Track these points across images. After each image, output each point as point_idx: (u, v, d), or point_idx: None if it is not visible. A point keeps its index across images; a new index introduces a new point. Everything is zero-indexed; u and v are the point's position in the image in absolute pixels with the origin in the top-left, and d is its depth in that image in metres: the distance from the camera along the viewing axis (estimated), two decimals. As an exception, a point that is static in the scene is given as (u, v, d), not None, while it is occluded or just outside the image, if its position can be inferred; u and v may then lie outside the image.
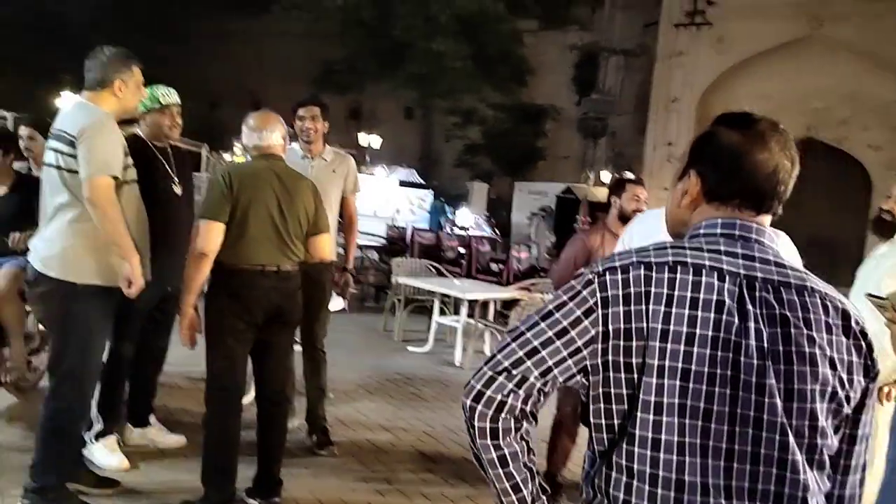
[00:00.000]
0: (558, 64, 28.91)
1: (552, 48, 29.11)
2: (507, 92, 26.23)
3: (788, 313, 1.14)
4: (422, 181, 21.99)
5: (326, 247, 3.37)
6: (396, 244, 10.95)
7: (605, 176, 25.47)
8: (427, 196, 20.15)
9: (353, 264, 4.35)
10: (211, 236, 2.86)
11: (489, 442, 1.18)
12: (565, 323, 1.16)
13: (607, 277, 1.17)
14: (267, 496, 3.13)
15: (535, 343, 1.16)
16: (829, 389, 1.14)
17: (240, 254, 2.93)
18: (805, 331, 1.14)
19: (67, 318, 2.84)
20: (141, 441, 3.71)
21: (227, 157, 22.55)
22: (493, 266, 9.25)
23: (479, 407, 1.17)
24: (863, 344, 1.18)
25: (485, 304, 6.75)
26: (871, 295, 2.05)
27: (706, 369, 1.11)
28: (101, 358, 2.98)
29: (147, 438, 3.74)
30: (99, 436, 3.42)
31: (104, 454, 3.41)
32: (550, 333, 1.16)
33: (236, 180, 2.91)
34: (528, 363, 1.16)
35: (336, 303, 4.18)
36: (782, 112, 21.50)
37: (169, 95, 3.58)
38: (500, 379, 1.17)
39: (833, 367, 1.14)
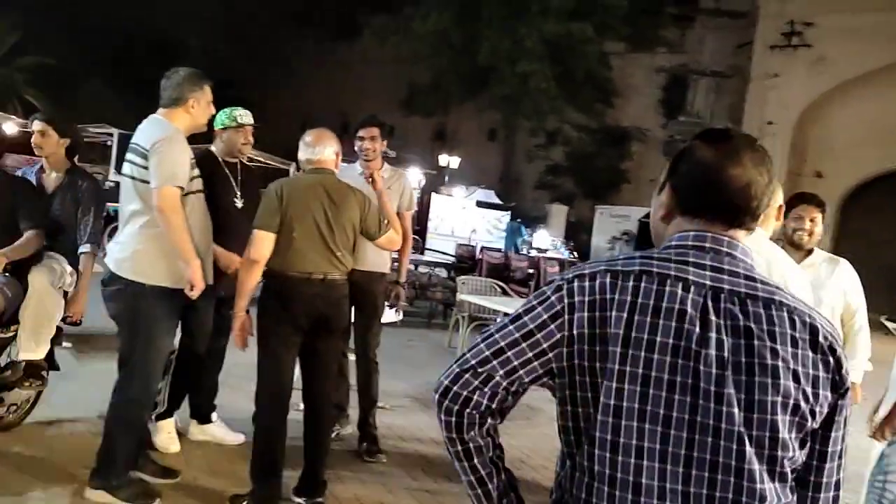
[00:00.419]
0: (645, 86, 28.56)
1: (639, 70, 28.79)
2: (592, 114, 26.07)
3: (753, 325, 1.17)
4: (500, 202, 22.06)
5: (390, 243, 3.51)
6: (465, 262, 11.07)
7: (691, 200, 24.85)
8: (504, 217, 20.22)
9: (415, 279, 4.49)
10: (261, 244, 3.06)
11: (454, 435, 1.26)
12: (532, 326, 1.23)
13: (575, 284, 1.23)
14: (311, 495, 3.27)
15: (502, 343, 1.23)
16: (791, 402, 1.15)
17: (288, 261, 3.11)
18: (769, 343, 1.16)
19: (136, 315, 3.09)
20: (203, 437, 3.96)
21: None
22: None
23: (446, 402, 1.25)
24: (831, 359, 1.19)
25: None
26: (889, 318, 2.00)
27: (665, 376, 1.15)
28: (166, 354, 3.21)
29: (209, 434, 4.00)
30: (159, 417, 3.71)
31: (161, 435, 3.73)
32: (517, 335, 1.23)
33: (286, 193, 3.11)
34: (494, 362, 1.23)
35: (388, 315, 4.33)
36: (883, 137, 20.46)
37: (244, 116, 3.87)
38: (467, 376, 1.24)
39: (797, 380, 1.16)
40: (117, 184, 11.82)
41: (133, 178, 3.10)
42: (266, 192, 3.15)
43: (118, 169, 12.82)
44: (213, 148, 3.91)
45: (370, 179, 3.85)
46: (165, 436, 3.74)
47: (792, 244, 3.24)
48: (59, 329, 3.74)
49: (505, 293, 7.82)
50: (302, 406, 3.40)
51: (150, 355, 3.12)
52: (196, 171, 3.22)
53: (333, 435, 3.86)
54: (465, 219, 19.16)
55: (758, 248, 1.80)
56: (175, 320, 3.22)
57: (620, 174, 27.92)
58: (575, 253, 19.60)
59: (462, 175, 24.44)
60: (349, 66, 35.28)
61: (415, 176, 21.38)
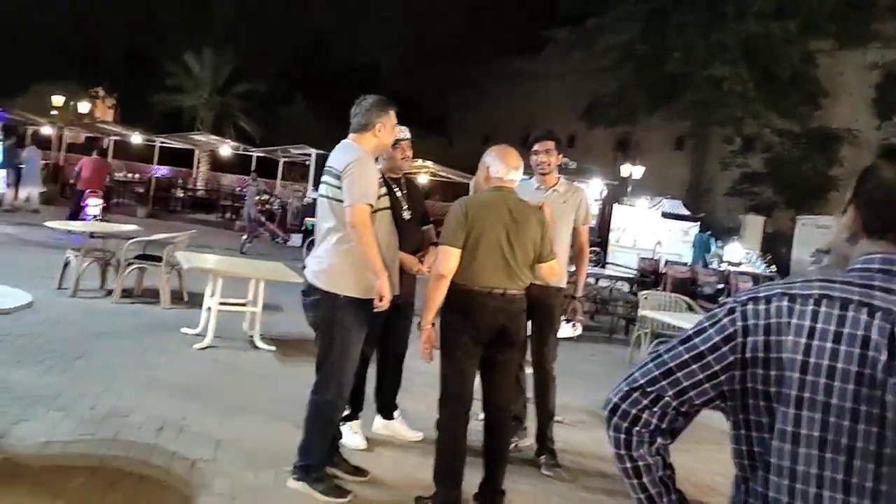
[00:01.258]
0: (856, 85, 25.96)
1: (849, 68, 26.23)
2: (795, 117, 24.15)
3: None
4: (687, 212, 21.00)
5: (549, 274, 3.55)
6: (648, 276, 10.69)
7: (912, 209, 22.15)
8: (692, 228, 19.18)
9: (596, 294, 4.48)
10: (447, 260, 3.21)
11: (623, 452, 1.27)
12: (703, 348, 1.21)
13: (749, 307, 1.20)
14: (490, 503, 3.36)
15: (671, 364, 1.23)
16: None
17: (471, 276, 3.24)
18: None
19: (331, 323, 3.37)
20: (385, 432, 4.25)
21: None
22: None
23: (615, 419, 1.27)
24: None
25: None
26: None
27: (848, 404, 1.09)
28: (357, 358, 3.46)
29: (391, 430, 4.27)
30: (346, 419, 3.97)
31: (349, 434, 4.00)
32: (687, 357, 1.22)
33: (471, 210, 3.24)
34: (664, 382, 1.23)
35: (565, 330, 4.33)
36: None
37: (401, 133, 4.05)
38: (636, 395, 1.25)
39: None
40: (315, 200, 12.76)
41: (328, 197, 3.39)
42: (452, 209, 3.30)
43: (316, 187, 13.97)
44: (378, 167, 4.17)
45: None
46: (353, 436, 4.01)
47: None
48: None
49: (691, 309, 7.48)
50: (481, 416, 3.51)
51: (343, 360, 3.38)
52: (383, 190, 3.45)
53: (512, 446, 3.93)
54: (650, 230, 18.46)
55: None
56: (365, 328, 3.45)
57: (828, 181, 25.51)
58: (773, 266, 18.19)
59: (646, 185, 23.66)
60: (532, 79, 35.60)
61: (596, 186, 21.03)
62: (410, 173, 4.25)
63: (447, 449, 3.30)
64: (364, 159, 3.35)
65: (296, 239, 13.55)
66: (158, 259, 7.45)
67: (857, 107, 25.85)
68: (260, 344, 6.17)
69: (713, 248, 18.43)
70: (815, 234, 22.30)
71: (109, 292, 7.48)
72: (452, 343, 3.28)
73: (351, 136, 3.52)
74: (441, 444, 3.33)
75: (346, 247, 3.32)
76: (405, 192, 4.08)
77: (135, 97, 27.95)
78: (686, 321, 6.53)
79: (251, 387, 5.01)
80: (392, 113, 3.51)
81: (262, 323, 6.28)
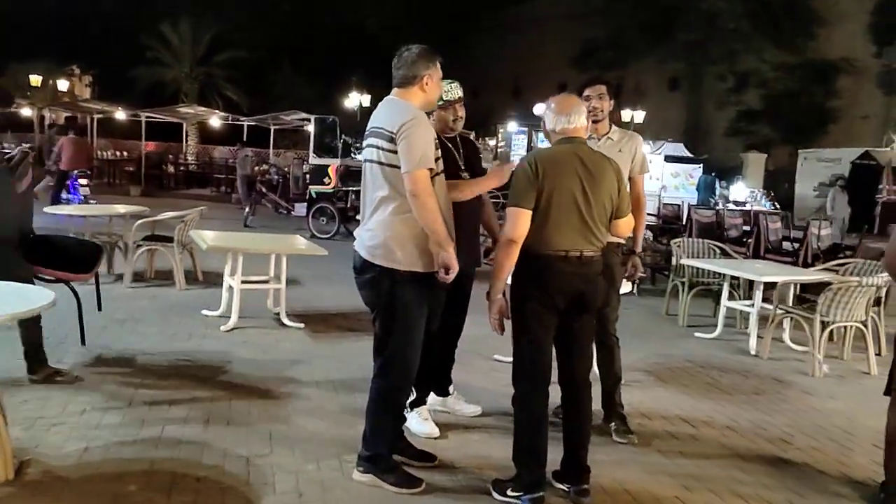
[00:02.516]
0: (852, 11, 25.38)
1: (845, -5, 25.66)
2: (791, 49, 23.67)
3: None
4: (690, 154, 20.67)
5: (627, 229, 3.27)
6: (672, 223, 10.37)
7: (916, 136, 21.91)
8: (696, 171, 18.90)
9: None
10: (518, 223, 2.90)
11: None
12: None
13: None
14: (575, 482, 3.12)
15: None
16: None
17: (544, 240, 2.93)
18: None
19: (392, 302, 3.07)
20: (441, 408, 3.99)
21: (491, 142, 23.33)
22: (787, 245, 8.35)
23: None
24: None
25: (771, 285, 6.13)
26: None
27: None
28: (421, 338, 3.17)
29: (447, 406, 4.02)
30: (413, 405, 3.69)
31: (417, 422, 3.72)
32: None
33: (541, 167, 2.92)
34: None
35: (624, 286, 4.08)
36: None
37: (450, 92, 3.69)
38: None
39: None
40: (316, 167, 12.42)
41: (380, 163, 3.06)
42: (519, 167, 2.99)
43: (317, 152, 13.54)
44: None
45: None
46: (424, 423, 3.73)
47: None
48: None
49: (725, 254, 7.21)
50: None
51: (408, 341, 3.09)
52: (439, 153, 3.12)
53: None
54: (654, 174, 18.13)
55: None
56: (428, 305, 3.16)
57: (827, 114, 25.20)
58: (776, 204, 17.97)
59: (644, 129, 23.25)
60: (519, 27, 34.81)
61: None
62: (463, 133, 3.90)
63: (528, 427, 3.04)
64: (419, 119, 3.01)
65: (300, 209, 13.15)
66: (169, 239, 7.11)
67: (853, 34, 25.35)
68: (287, 321, 5.89)
69: (718, 190, 18.18)
70: (817, 167, 22.06)
71: (119, 276, 7.16)
72: (526, 313, 3.00)
73: (395, 91, 3.17)
74: (520, 422, 3.07)
75: (403, 217, 3.01)
76: (461, 151, 3.74)
77: (113, 73, 27.13)
78: (726, 267, 6.28)
79: (290, 369, 4.74)
80: (438, 64, 3.16)
81: (286, 299, 5.99)
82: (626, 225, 3.20)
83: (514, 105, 26.83)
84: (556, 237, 2.93)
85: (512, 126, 20.18)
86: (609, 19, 25.50)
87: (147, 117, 21.72)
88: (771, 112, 25.76)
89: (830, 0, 25.50)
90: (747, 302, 6.46)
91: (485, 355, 5.14)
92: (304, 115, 18.20)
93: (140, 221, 7.25)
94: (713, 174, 18.77)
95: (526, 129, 19.99)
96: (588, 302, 3.04)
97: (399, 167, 2.96)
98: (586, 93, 3.92)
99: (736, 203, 16.73)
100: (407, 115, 3.00)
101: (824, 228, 8.17)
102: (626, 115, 22.64)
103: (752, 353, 5.91)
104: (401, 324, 3.07)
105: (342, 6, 27.49)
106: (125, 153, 23.08)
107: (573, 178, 2.93)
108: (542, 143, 22.34)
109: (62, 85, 24.96)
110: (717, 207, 14.46)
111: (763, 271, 6.08)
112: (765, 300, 6.07)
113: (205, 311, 6.06)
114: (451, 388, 4.07)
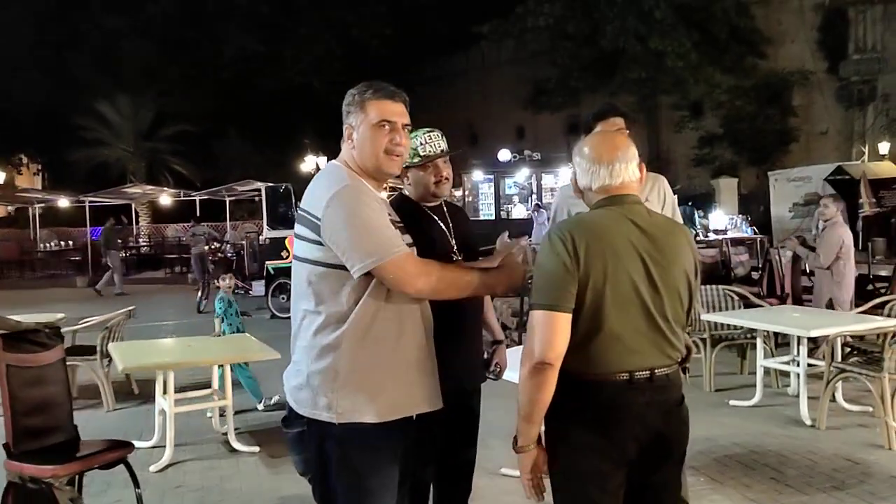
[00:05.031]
0: (796, 30, 25.42)
1: (786, 14, 25.73)
2: (742, 72, 23.45)
3: None
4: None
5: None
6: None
7: (884, 147, 21.66)
8: (673, 203, 18.18)
9: None
10: (555, 335, 1.86)
11: None
12: None
13: None
14: None
15: None
16: None
17: (594, 357, 1.90)
18: None
19: (325, 476, 2.07)
20: None
21: (458, 193, 22.50)
22: (805, 281, 7.39)
23: None
24: None
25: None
26: None
27: None
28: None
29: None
30: None
31: None
32: None
33: (581, 244, 1.89)
34: None
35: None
36: None
37: (430, 143, 2.66)
38: None
39: None
40: (272, 240, 11.18)
41: (305, 259, 2.06)
42: (545, 245, 1.95)
43: (271, 224, 12.43)
44: (405, 190, 2.81)
45: None
46: None
47: None
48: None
49: (746, 301, 6.25)
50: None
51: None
52: (407, 238, 2.12)
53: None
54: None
55: None
56: (396, 471, 2.09)
57: (787, 133, 24.95)
58: (754, 228, 17.31)
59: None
60: (468, 75, 34.48)
61: (565, 175, 19.96)
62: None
63: None
64: (349, 189, 2.01)
65: (258, 287, 11.97)
66: (92, 351, 5.92)
67: (799, 53, 25.34)
68: (238, 445, 4.74)
69: (697, 220, 17.47)
70: (788, 188, 21.61)
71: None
72: (575, 473, 1.94)
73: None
74: None
75: (334, 337, 2.01)
76: (450, 224, 2.71)
77: (58, 159, 25.90)
78: (758, 321, 5.31)
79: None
80: (372, 101, 2.12)
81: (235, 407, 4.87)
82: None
83: (475, 153, 26.22)
84: (615, 351, 1.89)
85: (477, 175, 19.35)
86: (554, 59, 25.25)
87: (91, 201, 20.45)
88: (731, 135, 25.48)
89: (773, 19, 25.58)
90: (784, 358, 5.49)
91: (490, 470, 4.04)
92: (257, 185, 17.16)
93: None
94: (689, 204, 18.10)
95: (492, 176, 19.19)
96: (670, 445, 2.00)
97: (331, 265, 1.98)
98: (598, 128, 2.96)
99: (716, 232, 16.02)
100: (332, 188, 2.01)
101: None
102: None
103: (807, 422, 4.91)
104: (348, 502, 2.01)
105: (283, 69, 26.71)
106: (70, 242, 21.67)
107: (632, 258, 1.91)
108: (514, 190, 21.63)
109: (-1, 177, 23.61)
110: (710, 238, 13.76)
111: (804, 322, 5.10)
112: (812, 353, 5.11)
113: (136, 443, 4.86)
114: None
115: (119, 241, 16.95)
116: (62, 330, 5.96)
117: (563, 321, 1.86)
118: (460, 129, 33.56)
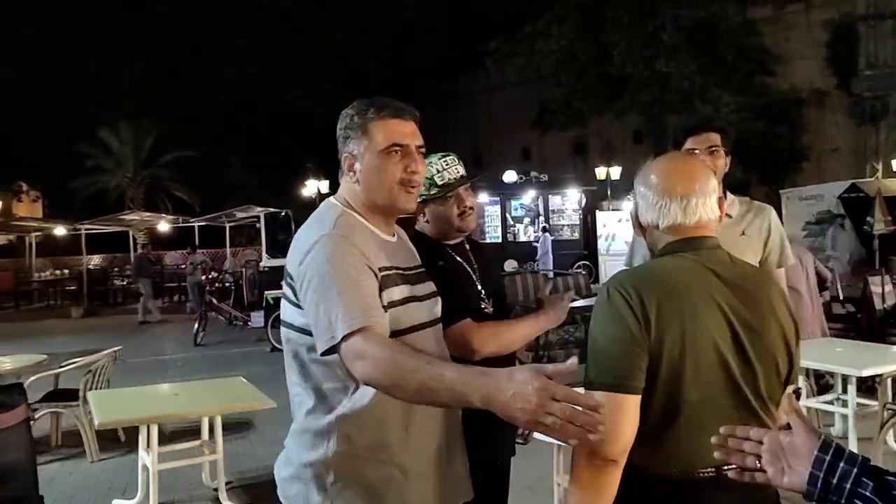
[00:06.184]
0: (805, 48, 25.12)
1: (794, 31, 25.46)
2: (751, 91, 23.14)
3: None
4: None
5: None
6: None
7: (898, 164, 21.24)
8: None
9: None
10: (622, 423, 1.39)
11: None
12: None
13: None
14: None
15: None
16: None
17: (671, 450, 1.43)
18: None
19: None
20: None
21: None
22: (837, 308, 6.87)
23: None
24: None
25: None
26: None
27: None
28: None
29: None
30: None
31: None
32: None
33: (652, 302, 1.42)
34: None
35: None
36: None
37: (448, 170, 2.18)
38: None
39: None
40: (271, 269, 10.80)
41: (290, 326, 1.63)
42: (602, 304, 1.48)
43: (270, 252, 12.02)
44: (418, 227, 2.34)
45: None
46: None
47: None
48: None
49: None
50: None
51: None
52: (404, 290, 1.65)
53: None
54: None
55: None
56: None
57: (798, 151, 24.58)
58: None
59: (619, 186, 22.28)
60: (474, 96, 34.31)
61: (574, 196, 19.65)
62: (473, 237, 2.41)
63: None
64: (326, 241, 1.56)
65: (256, 318, 11.47)
66: (74, 396, 5.45)
67: (809, 71, 25.04)
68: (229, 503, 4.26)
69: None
70: (801, 206, 21.15)
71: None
72: None
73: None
74: None
75: (327, 422, 1.59)
76: (475, 266, 2.25)
77: (57, 187, 25.62)
78: (805, 359, 4.81)
79: None
80: (377, 122, 1.67)
81: (226, 457, 4.39)
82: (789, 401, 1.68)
83: (480, 175, 25.88)
84: (697, 440, 1.42)
85: (483, 197, 19.01)
86: (560, 81, 24.99)
87: (87, 229, 20.07)
88: (741, 154, 25.13)
89: (781, 37, 25.33)
90: (827, 397, 5.01)
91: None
92: (257, 211, 16.79)
93: (35, 378, 5.56)
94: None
95: (498, 197, 18.83)
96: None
97: (309, 333, 1.54)
98: (688, 145, 2.52)
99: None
100: (310, 239, 1.58)
101: (888, 283, 6.73)
102: (600, 172, 21.70)
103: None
104: None
105: (282, 92, 26.48)
106: (66, 271, 21.26)
107: (715, 320, 1.44)
108: (521, 212, 21.18)
109: (-3, 205, 23.33)
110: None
111: (852, 359, 4.61)
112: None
113: (117, 502, 4.40)
114: None
115: (151, 268, 16.52)
116: (38, 376, 5.58)
117: (632, 405, 1.39)
118: (464, 152, 33.05)
